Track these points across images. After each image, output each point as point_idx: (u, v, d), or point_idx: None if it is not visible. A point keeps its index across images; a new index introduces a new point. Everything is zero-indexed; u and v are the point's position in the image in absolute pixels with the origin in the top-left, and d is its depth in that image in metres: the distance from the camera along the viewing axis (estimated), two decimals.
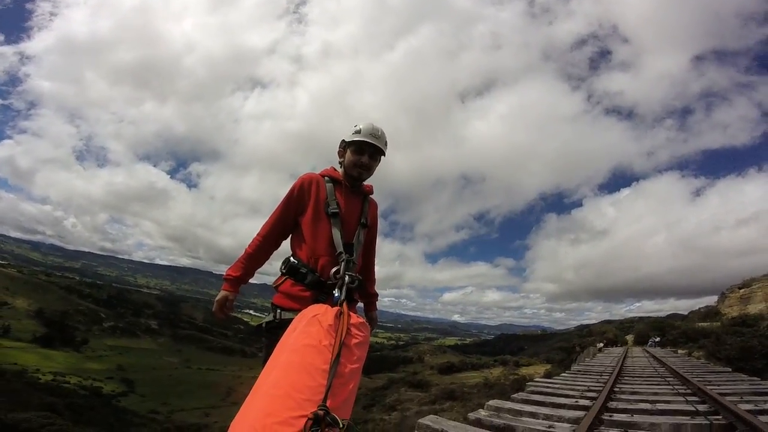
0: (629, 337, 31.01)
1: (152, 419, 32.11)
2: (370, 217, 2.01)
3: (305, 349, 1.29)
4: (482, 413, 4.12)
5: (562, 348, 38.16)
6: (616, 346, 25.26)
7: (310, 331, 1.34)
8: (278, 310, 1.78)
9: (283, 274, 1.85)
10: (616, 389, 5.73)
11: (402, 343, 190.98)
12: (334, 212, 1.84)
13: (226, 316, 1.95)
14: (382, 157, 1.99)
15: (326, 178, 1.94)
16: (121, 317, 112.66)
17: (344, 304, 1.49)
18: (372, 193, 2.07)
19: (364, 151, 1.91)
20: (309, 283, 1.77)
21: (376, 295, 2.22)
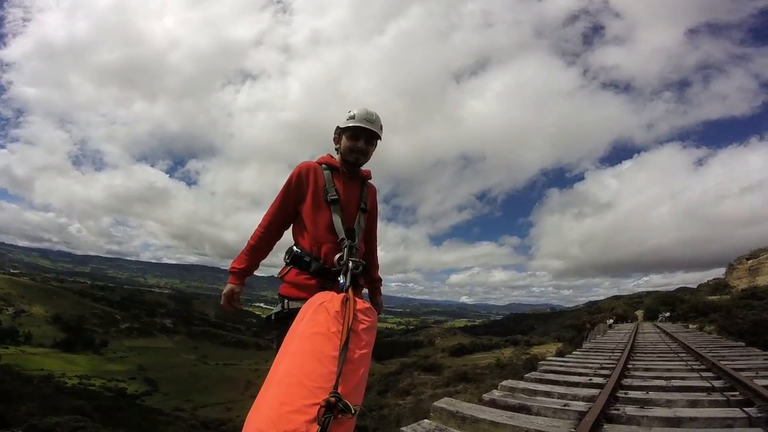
0: (639, 313, 31.03)
1: (177, 417, 32.92)
2: (369, 202, 2.01)
3: (314, 336, 1.31)
4: (496, 394, 4.14)
5: (572, 326, 38.39)
6: (626, 322, 25.34)
7: (317, 319, 1.36)
8: (286, 300, 1.79)
9: (287, 264, 1.87)
10: (629, 366, 5.79)
11: (412, 327, 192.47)
12: (334, 199, 1.85)
13: (235, 308, 1.96)
14: (378, 141, 1.99)
15: (323, 165, 1.94)
16: (136, 318, 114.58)
17: (350, 290, 1.51)
18: (370, 177, 2.07)
19: (360, 136, 1.91)
20: (314, 271, 1.78)
21: (380, 280, 2.22)
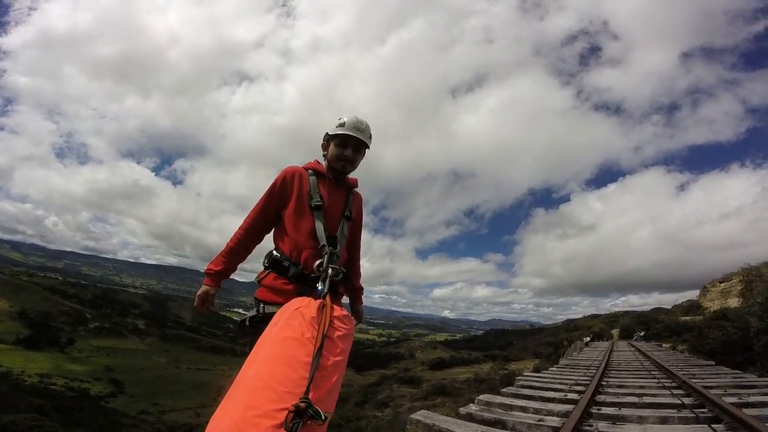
0: (615, 331, 31.62)
1: (143, 420, 31.74)
2: (354, 210, 1.99)
3: (287, 341, 1.28)
4: (473, 408, 4.17)
5: (549, 343, 38.86)
6: (603, 340, 25.78)
7: (292, 324, 1.33)
8: (261, 305, 1.76)
9: (266, 268, 1.84)
10: (603, 383, 5.87)
11: (393, 339, 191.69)
12: (318, 205, 1.83)
13: (208, 310, 1.92)
14: (367, 150, 1.98)
15: (310, 171, 1.93)
16: (107, 317, 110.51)
17: (327, 296, 1.48)
18: (356, 186, 2.05)
19: (348, 144, 1.90)
20: (292, 276, 1.76)
21: (362, 288, 2.19)
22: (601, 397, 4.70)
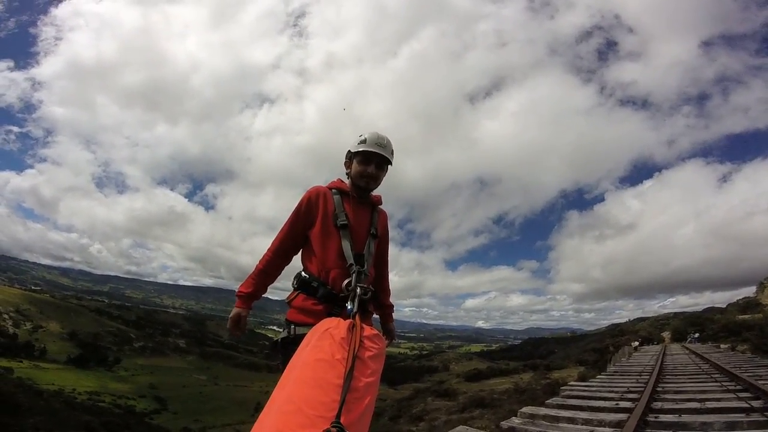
0: (665, 334, 29.72)
1: None
2: (380, 228, 1.98)
3: (317, 363, 1.26)
4: (516, 421, 3.92)
5: (594, 349, 36.79)
6: (653, 344, 24.16)
7: (322, 346, 1.32)
8: (292, 326, 1.77)
9: (295, 289, 1.85)
10: (658, 389, 5.39)
11: (426, 352, 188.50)
12: (343, 224, 1.83)
13: (242, 332, 1.96)
14: (389, 166, 1.97)
15: (333, 190, 1.93)
16: (150, 337, 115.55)
17: (357, 316, 1.46)
18: (381, 203, 2.05)
19: (371, 161, 1.90)
20: (321, 296, 1.76)
21: (392, 306, 2.17)
22: (657, 404, 4.32)
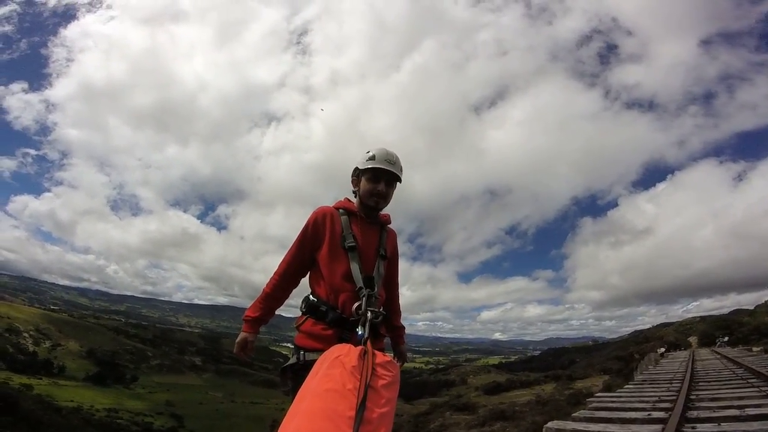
0: (692, 339, 28.57)
1: None
2: (389, 248, 1.93)
3: (327, 394, 1.19)
4: None
5: (618, 357, 35.49)
6: (680, 350, 23.16)
7: (332, 374, 1.25)
8: (301, 352, 1.72)
9: (303, 313, 1.80)
10: (692, 396, 5.05)
11: (442, 366, 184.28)
12: (351, 246, 1.77)
13: (248, 356, 1.94)
14: (398, 183, 1.91)
15: (341, 210, 1.87)
16: (167, 355, 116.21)
17: (368, 342, 1.40)
18: (390, 222, 1.99)
19: (380, 179, 1.84)
20: (330, 320, 1.71)
21: (403, 327, 2.13)
22: (693, 413, 4.00)
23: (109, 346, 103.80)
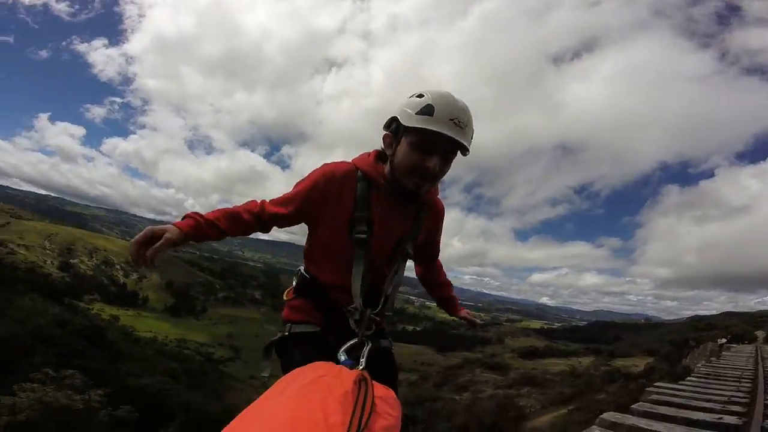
0: (759, 333, 25.55)
1: (250, 384, 36.08)
2: (425, 231, 1.33)
3: (297, 425, 0.76)
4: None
5: (671, 341, 32.94)
6: (744, 343, 20.75)
7: (310, 399, 0.84)
8: (289, 325, 1.30)
9: (294, 290, 1.37)
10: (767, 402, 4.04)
11: (481, 323, 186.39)
12: (361, 239, 1.19)
13: (149, 262, 1.09)
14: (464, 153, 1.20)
15: (360, 174, 1.21)
16: (232, 288, 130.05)
17: (365, 371, 0.94)
18: (436, 195, 1.31)
19: (435, 149, 1.10)
20: (321, 308, 1.29)
21: (456, 298, 1.63)
22: None
23: (184, 278, 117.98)
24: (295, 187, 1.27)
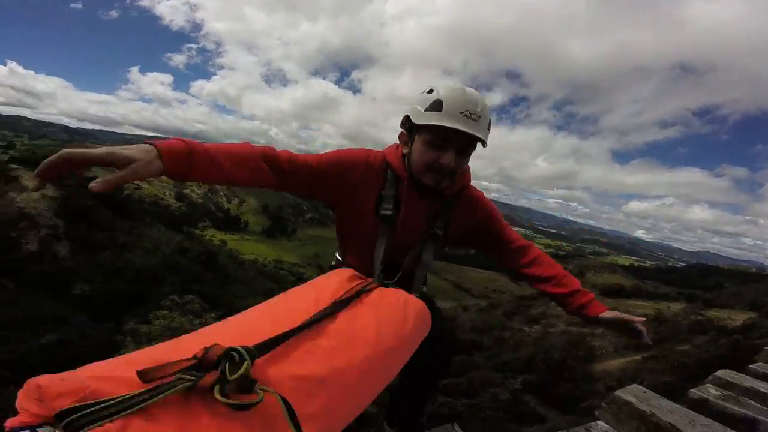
0: None
1: None
2: (459, 226, 1.27)
3: (301, 288, 0.96)
4: (711, 391, 2.38)
5: None
6: None
7: (320, 280, 1.02)
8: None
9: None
10: None
11: (563, 252, 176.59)
12: (386, 215, 1.18)
13: (103, 188, 0.70)
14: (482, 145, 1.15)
15: (389, 169, 1.20)
16: (316, 209, 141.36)
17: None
18: (468, 183, 1.26)
19: (449, 144, 1.09)
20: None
21: (584, 291, 1.26)
22: None
23: (276, 201, 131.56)
24: (329, 152, 1.21)
